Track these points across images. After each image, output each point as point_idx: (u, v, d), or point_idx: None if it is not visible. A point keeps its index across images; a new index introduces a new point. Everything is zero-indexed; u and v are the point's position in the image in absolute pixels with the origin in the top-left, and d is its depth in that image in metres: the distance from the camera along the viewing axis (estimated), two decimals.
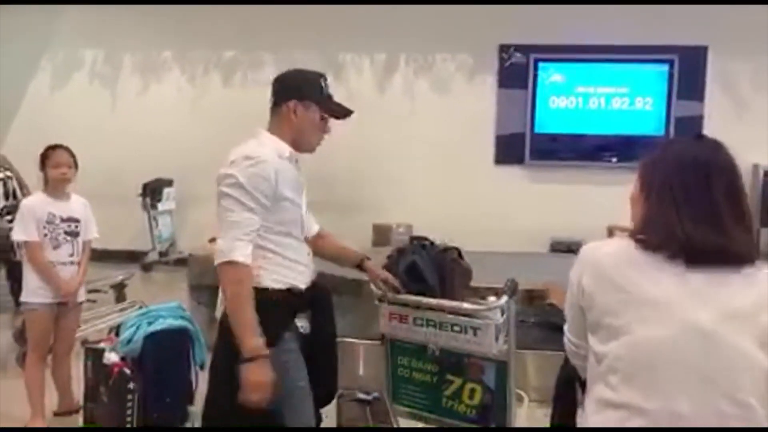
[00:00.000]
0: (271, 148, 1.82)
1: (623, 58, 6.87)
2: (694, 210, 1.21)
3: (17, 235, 2.94)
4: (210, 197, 6.90)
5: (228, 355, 1.72)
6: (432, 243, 2.29)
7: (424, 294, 2.18)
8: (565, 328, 1.36)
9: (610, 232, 5.14)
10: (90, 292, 4.89)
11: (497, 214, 6.85)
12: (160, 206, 7.10)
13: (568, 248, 6.02)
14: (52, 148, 3.02)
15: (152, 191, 7.03)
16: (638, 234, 1.25)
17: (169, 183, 7.23)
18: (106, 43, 7.48)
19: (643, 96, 6.91)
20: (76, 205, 3.07)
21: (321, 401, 2.01)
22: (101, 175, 6.17)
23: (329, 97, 1.95)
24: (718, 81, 6.79)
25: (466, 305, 2.12)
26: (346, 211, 6.39)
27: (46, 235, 2.94)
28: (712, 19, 6.57)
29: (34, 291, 2.96)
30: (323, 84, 1.95)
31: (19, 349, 3.93)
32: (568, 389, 1.45)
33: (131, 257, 6.97)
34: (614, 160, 6.82)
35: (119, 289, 5.28)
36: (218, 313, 2.66)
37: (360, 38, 7.07)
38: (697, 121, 6.83)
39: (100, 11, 7.30)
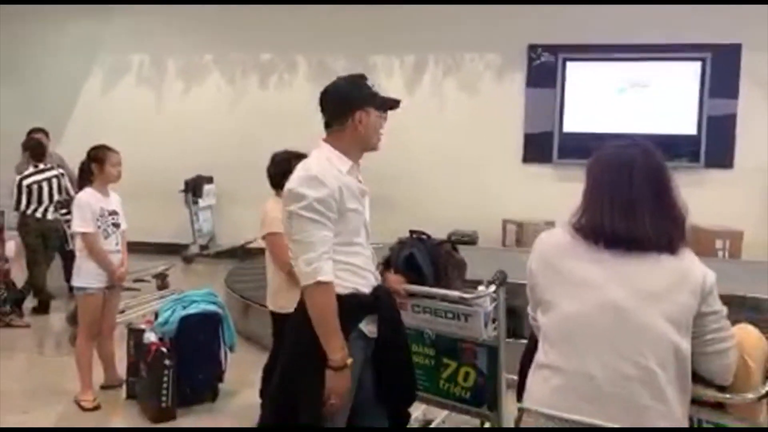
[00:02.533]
0: (334, 165, 1.90)
1: (655, 56, 6.85)
2: (616, 204, 1.43)
3: (78, 227, 3.29)
4: (247, 194, 7.23)
5: (299, 357, 1.88)
6: (429, 236, 2.50)
7: (420, 283, 2.39)
8: (528, 307, 1.58)
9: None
10: (135, 281, 5.34)
11: (526, 211, 6.96)
12: (201, 202, 7.51)
13: None
14: (109, 149, 3.37)
15: (194, 188, 7.45)
16: (574, 222, 1.48)
17: (209, 180, 7.64)
18: (151, 48, 7.95)
19: (675, 95, 6.87)
20: (114, 199, 3.43)
21: (403, 401, 2.08)
22: (146, 172, 6.60)
23: (378, 95, 1.99)
24: (751, 79, 6.69)
25: (454, 293, 2.32)
26: (379, 211, 6.62)
27: (99, 227, 3.30)
28: (745, 17, 6.49)
29: (90, 277, 3.30)
30: (370, 84, 2.00)
31: (71, 330, 4.36)
32: (524, 365, 1.66)
33: (173, 250, 7.39)
34: None
35: (161, 279, 5.70)
36: (272, 306, 2.86)
37: (389, 40, 7.29)
38: (731, 119, 6.77)
39: (145, 18, 7.78)
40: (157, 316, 3.45)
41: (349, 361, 1.84)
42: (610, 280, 1.39)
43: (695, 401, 1.43)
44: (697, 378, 1.41)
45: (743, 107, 6.74)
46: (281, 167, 2.66)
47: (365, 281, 1.97)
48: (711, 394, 1.43)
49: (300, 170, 1.91)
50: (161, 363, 3.13)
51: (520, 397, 1.58)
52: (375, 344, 1.98)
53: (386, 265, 2.43)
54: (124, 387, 3.47)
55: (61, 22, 7.90)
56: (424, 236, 2.50)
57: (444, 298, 2.35)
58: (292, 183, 1.89)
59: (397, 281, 2.30)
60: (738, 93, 6.76)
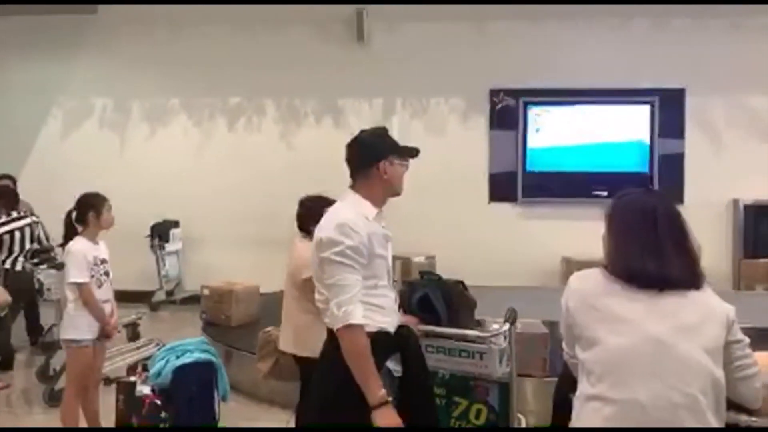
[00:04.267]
0: (361, 213, 2.01)
1: (608, 100, 7.30)
2: (642, 246, 1.58)
3: (74, 277, 3.17)
4: (214, 238, 7.17)
5: (336, 399, 1.92)
6: (440, 278, 2.57)
7: (435, 324, 2.44)
8: (563, 343, 1.66)
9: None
10: None
11: (492, 249, 7.15)
12: (168, 247, 7.35)
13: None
14: (100, 196, 3.32)
15: (160, 232, 7.29)
16: (606, 264, 1.62)
17: (175, 224, 7.50)
18: (115, 91, 7.85)
19: (628, 135, 7.31)
20: (104, 248, 3.35)
21: None
22: None
23: (398, 144, 2.15)
24: (695, 120, 7.22)
25: (473, 332, 2.39)
26: None
27: (92, 276, 3.20)
28: (688, 63, 7.04)
29: (83, 329, 3.19)
30: (390, 136, 2.17)
31: (46, 386, 4.14)
32: (563, 397, 1.74)
33: (138, 297, 7.15)
34: (605, 194, 7.14)
35: (133, 329, 5.49)
36: (284, 346, 2.98)
37: (358, 83, 7.48)
38: (679, 158, 7.25)
39: (109, 61, 7.71)
40: (145, 367, 3.34)
41: (390, 398, 1.88)
42: (648, 316, 1.50)
43: (727, 426, 1.53)
44: (729, 404, 1.52)
45: (689, 146, 7.24)
46: (312, 211, 2.69)
47: (390, 320, 2.04)
48: (744, 420, 1.54)
49: (331, 218, 2.00)
50: (157, 416, 3.02)
51: (558, 427, 1.64)
52: (400, 382, 2.03)
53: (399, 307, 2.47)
54: None
55: (20, 62, 7.70)
56: (435, 277, 2.56)
57: (460, 338, 2.40)
58: (326, 231, 1.97)
59: (412, 322, 2.34)
60: (684, 133, 7.27)
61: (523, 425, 2.61)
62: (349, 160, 2.13)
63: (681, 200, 7.22)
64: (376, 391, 1.87)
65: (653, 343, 1.48)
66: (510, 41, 7.28)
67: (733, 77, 6.98)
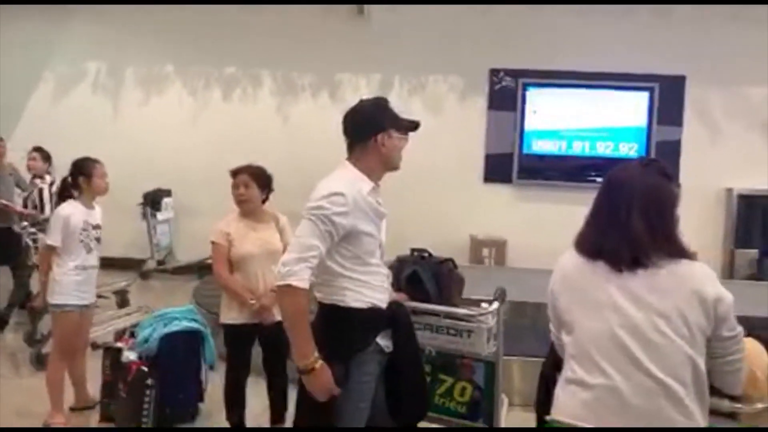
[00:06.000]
0: (354, 186, 1.94)
1: (608, 84, 7.24)
2: (606, 222, 1.54)
3: (47, 239, 3.16)
4: (207, 208, 7.16)
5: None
6: (430, 255, 2.55)
7: (423, 300, 2.44)
8: (550, 325, 1.65)
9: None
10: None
11: (486, 230, 7.16)
12: (159, 216, 7.30)
13: None
14: (94, 161, 3.27)
15: (152, 201, 7.23)
16: (576, 243, 1.59)
17: (168, 193, 7.44)
18: (108, 56, 7.71)
19: (626, 120, 7.27)
20: (99, 213, 3.32)
21: (414, 416, 2.12)
22: None
23: (399, 117, 2.08)
24: (694, 108, 7.18)
25: (463, 310, 2.38)
26: None
27: (81, 240, 3.17)
28: (690, 51, 6.98)
29: (67, 294, 3.17)
30: (391, 107, 2.08)
31: (32, 350, 4.14)
32: (547, 378, 1.75)
33: (128, 265, 7.12)
34: (599, 180, 7.15)
35: (122, 295, 5.48)
36: None
37: (356, 58, 7.38)
38: (676, 145, 7.22)
39: (103, 25, 7.55)
40: (132, 334, 3.34)
41: (318, 364, 1.85)
42: (622, 298, 1.48)
43: (711, 412, 1.53)
44: (712, 390, 1.51)
45: (687, 134, 7.21)
46: None
47: (381, 297, 2.01)
48: (727, 406, 1.55)
49: (325, 186, 1.94)
50: (142, 383, 3.03)
51: (540, 410, 1.64)
52: (389, 358, 2.02)
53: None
54: (98, 408, 3.32)
55: (11, 21, 7.53)
56: (425, 254, 2.55)
57: (448, 315, 2.40)
58: (314, 199, 1.92)
59: (401, 298, 2.34)
60: (683, 121, 7.23)
61: (506, 405, 2.62)
62: (346, 131, 2.06)
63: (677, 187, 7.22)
64: (308, 354, 1.84)
65: (630, 328, 1.45)
66: (512, 21, 7.17)
67: (734, 67, 6.93)
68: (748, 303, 4.54)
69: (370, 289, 1.96)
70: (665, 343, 1.43)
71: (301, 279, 1.83)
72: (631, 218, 1.51)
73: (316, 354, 1.85)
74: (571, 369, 1.51)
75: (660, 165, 1.62)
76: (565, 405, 1.49)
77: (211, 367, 3.42)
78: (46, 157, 5.23)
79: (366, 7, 7.25)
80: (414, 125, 2.10)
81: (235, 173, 3.17)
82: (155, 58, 7.65)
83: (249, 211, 3.13)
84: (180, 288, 6.51)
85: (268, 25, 7.35)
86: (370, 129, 2.01)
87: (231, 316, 3.06)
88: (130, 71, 7.75)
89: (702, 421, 1.44)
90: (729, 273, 6.93)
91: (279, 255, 3.00)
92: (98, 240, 3.29)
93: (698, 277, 1.49)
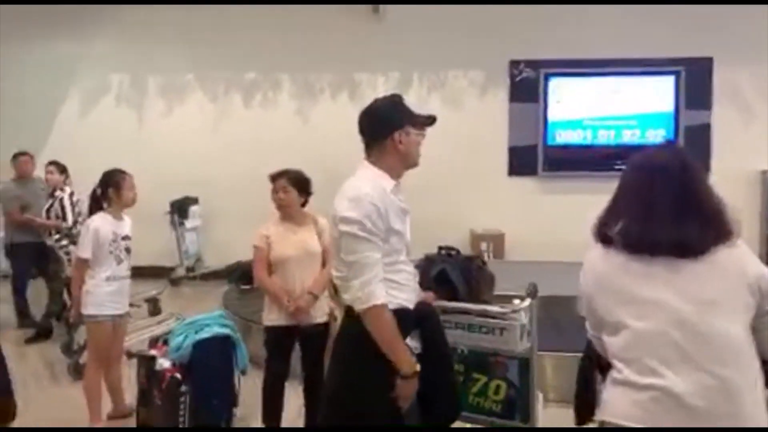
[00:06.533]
0: (378, 186, 1.93)
1: (632, 70, 7.08)
2: (641, 209, 1.46)
3: (78, 251, 3.22)
4: (233, 214, 7.18)
5: (363, 375, 1.91)
6: (458, 252, 2.52)
7: (453, 299, 2.40)
8: (586, 323, 1.60)
9: None
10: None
11: (512, 223, 7.07)
12: (187, 223, 7.39)
13: None
14: (123, 173, 3.34)
15: (179, 209, 7.33)
16: (598, 227, 1.51)
17: (195, 201, 7.53)
18: (131, 67, 7.83)
19: (653, 106, 7.10)
20: (128, 223, 3.36)
21: (446, 417, 2.11)
22: None
23: (414, 113, 2.05)
24: (723, 90, 6.98)
25: (495, 308, 2.34)
26: None
27: (111, 252, 3.22)
28: (716, 31, 6.78)
29: (100, 305, 3.23)
30: (406, 104, 2.06)
31: (71, 360, 4.22)
32: (586, 377, 1.70)
33: (158, 273, 7.22)
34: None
35: (153, 303, 5.56)
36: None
37: (374, 57, 7.35)
38: (706, 129, 7.03)
39: (125, 37, 7.67)
40: (165, 341, 3.37)
41: (418, 367, 1.88)
42: (669, 293, 1.41)
43: None
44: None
45: (717, 117, 7.01)
46: None
47: (409, 297, 1.99)
48: None
49: (349, 191, 1.93)
50: (177, 390, 3.06)
51: (581, 410, 1.59)
52: (419, 359, 1.99)
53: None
54: (135, 416, 3.37)
55: (37, 43, 7.72)
56: (453, 252, 2.51)
57: (480, 313, 2.36)
58: (343, 204, 1.90)
59: (430, 298, 2.31)
60: (711, 104, 7.04)
61: (541, 402, 2.57)
62: (363, 131, 2.05)
63: (708, 171, 7.02)
64: (405, 363, 1.87)
65: (678, 324, 1.39)
66: (530, 11, 7.06)
67: (762, 46, 6.72)
68: None
69: (398, 289, 1.94)
70: (717, 333, 1.38)
71: (380, 296, 1.85)
72: (680, 206, 1.44)
73: (414, 359, 1.89)
74: (618, 370, 1.45)
75: (682, 147, 1.57)
76: (616, 406, 1.43)
77: (244, 372, 3.43)
78: (63, 170, 5.37)
79: (381, 6, 7.22)
80: (430, 120, 2.08)
81: (274, 178, 3.21)
82: (176, 67, 7.75)
83: (288, 214, 3.19)
84: (210, 294, 6.57)
85: (284, 29, 7.39)
86: (387, 127, 1.99)
87: (271, 317, 3.13)
88: (152, 81, 7.87)
89: (761, 411, 1.38)
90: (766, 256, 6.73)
91: (317, 257, 3.09)
92: (128, 250, 3.33)
93: (740, 257, 1.44)
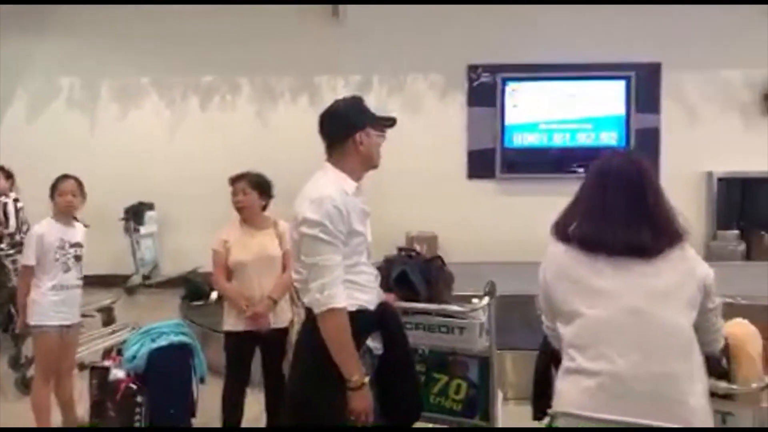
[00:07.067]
0: (339, 188, 1.92)
1: (585, 75, 7.28)
2: (591, 211, 1.55)
3: (22, 259, 3.08)
4: (191, 220, 7.05)
5: (317, 381, 1.88)
6: (418, 253, 2.54)
7: (414, 300, 2.41)
8: (542, 316, 1.64)
9: None
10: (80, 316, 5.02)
11: (471, 226, 7.15)
12: (143, 230, 7.20)
13: None
14: (60, 178, 3.20)
15: (134, 215, 7.13)
16: (558, 226, 1.59)
17: (150, 207, 7.34)
18: (82, 70, 7.59)
19: (606, 110, 7.31)
20: (79, 230, 3.24)
21: (407, 416, 2.11)
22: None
23: (375, 114, 2.07)
24: (671, 95, 7.25)
25: (454, 307, 2.36)
26: None
27: (57, 259, 3.10)
28: (664, 38, 7.04)
29: (44, 314, 3.10)
30: (366, 106, 2.07)
31: (17, 374, 4.04)
32: (543, 371, 1.73)
33: (113, 281, 7.01)
34: (581, 170, 7.19)
35: (107, 313, 5.38)
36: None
37: (333, 60, 7.33)
38: (655, 132, 7.29)
39: (75, 39, 7.43)
40: (119, 351, 3.27)
41: (366, 379, 1.86)
42: (623, 284, 1.48)
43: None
44: (707, 372, 1.51)
45: (665, 121, 7.28)
46: None
47: (371, 298, 1.99)
48: (723, 387, 1.54)
49: (311, 193, 1.92)
50: (132, 400, 2.96)
51: (538, 404, 1.62)
52: (380, 360, 1.99)
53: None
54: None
55: None
56: (413, 253, 2.53)
57: (440, 313, 2.38)
58: (304, 206, 1.89)
59: (390, 299, 2.31)
60: (660, 108, 7.30)
61: (500, 400, 2.61)
62: (324, 132, 2.04)
63: (657, 174, 7.28)
64: (355, 373, 1.85)
65: (631, 313, 1.45)
66: (488, 16, 7.18)
67: (707, 51, 7.01)
68: (731, 284, 4.59)
69: (359, 290, 1.93)
70: (667, 324, 1.44)
71: (339, 299, 1.83)
72: (634, 207, 1.52)
73: (364, 370, 1.86)
74: (570, 358, 1.50)
75: (638, 153, 1.66)
76: (569, 395, 1.48)
77: (202, 380, 3.35)
78: (8, 175, 5.16)
79: (341, 8, 7.22)
80: (390, 121, 2.10)
81: (233, 180, 3.16)
82: (130, 71, 7.55)
83: (248, 218, 3.14)
84: (167, 302, 6.41)
85: (243, 31, 7.29)
86: (348, 129, 1.99)
87: (230, 322, 3.08)
88: (105, 85, 7.65)
89: (705, 401, 1.44)
90: (711, 255, 7.01)
91: (277, 261, 3.04)
92: (78, 258, 3.21)
93: (690, 258, 1.53)
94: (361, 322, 1.91)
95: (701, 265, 1.53)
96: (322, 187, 1.92)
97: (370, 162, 2.04)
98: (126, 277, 7.17)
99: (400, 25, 7.26)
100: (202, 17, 7.28)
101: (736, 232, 7.05)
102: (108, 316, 5.36)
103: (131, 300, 6.93)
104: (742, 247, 6.98)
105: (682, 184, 7.12)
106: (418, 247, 6.85)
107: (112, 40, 7.40)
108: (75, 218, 3.51)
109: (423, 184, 7.27)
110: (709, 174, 7.25)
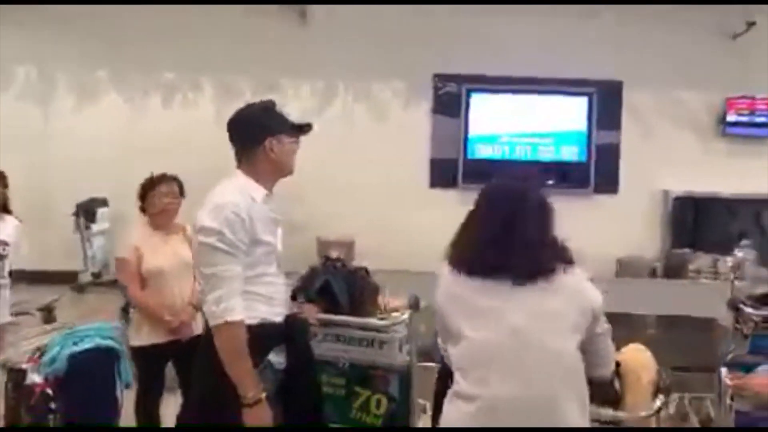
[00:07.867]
0: (246, 195, 1.86)
1: (548, 89, 7.34)
2: (479, 234, 1.55)
3: None
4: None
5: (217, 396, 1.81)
6: (343, 263, 2.48)
7: (335, 311, 2.36)
8: (438, 339, 1.61)
9: None
10: (17, 314, 4.83)
11: (432, 234, 7.12)
12: (94, 227, 7.01)
13: None
14: None
15: (86, 211, 6.94)
16: (450, 249, 1.59)
17: (103, 203, 7.15)
18: (37, 60, 7.37)
19: (567, 125, 7.38)
20: (9, 227, 3.11)
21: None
22: (32, 194, 6.08)
23: (289, 120, 2.00)
24: (631, 112, 7.36)
25: (372, 321, 2.31)
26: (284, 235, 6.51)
27: None
28: (626, 56, 7.15)
29: None
30: (279, 110, 2.01)
31: None
32: (442, 393, 1.70)
33: (62, 278, 6.81)
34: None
35: (48, 312, 5.20)
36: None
37: (299, 64, 7.26)
38: (615, 149, 7.39)
39: (32, 27, 7.23)
40: (42, 353, 3.13)
41: (263, 394, 1.79)
42: (507, 307, 1.47)
43: (592, 421, 1.51)
44: (594, 397, 1.50)
45: (625, 138, 7.38)
46: None
47: (276, 310, 1.92)
48: (610, 415, 1.53)
49: (212, 200, 1.85)
50: (45, 407, 2.83)
51: (435, 424, 1.59)
52: (284, 375, 1.93)
53: (299, 294, 2.38)
54: None
55: None
56: (338, 263, 2.48)
57: (361, 326, 2.33)
58: (206, 214, 1.82)
59: (312, 311, 2.26)
60: (620, 125, 7.40)
61: (420, 415, 2.56)
62: (233, 138, 1.96)
63: (615, 191, 7.40)
64: (250, 389, 1.77)
65: (512, 336, 1.44)
66: (454, 26, 7.21)
67: (666, 71, 7.14)
68: (687, 302, 4.61)
69: (262, 302, 1.87)
70: (549, 347, 1.42)
71: (235, 312, 1.75)
72: (528, 232, 1.51)
73: (261, 386, 1.79)
74: (456, 382, 1.48)
75: (536, 177, 1.66)
76: (449, 418, 1.46)
77: (128, 386, 3.24)
78: None
79: (308, 11, 7.16)
80: (305, 128, 2.02)
81: (161, 180, 3.02)
82: (88, 63, 7.37)
83: (165, 222, 2.99)
84: (116, 302, 6.22)
85: (207, 29, 7.19)
86: (258, 134, 1.92)
87: (141, 337, 2.94)
88: (61, 76, 7.45)
89: (586, 425, 1.42)
90: (666, 273, 7.11)
91: (191, 267, 2.86)
92: (2, 257, 3.07)
93: (580, 282, 1.52)
94: (264, 335, 1.84)
95: (592, 290, 1.52)
96: (228, 193, 1.86)
97: (282, 169, 1.97)
98: (75, 275, 6.97)
99: (367, 31, 7.23)
100: (165, 14, 7.15)
101: (689, 250, 7.16)
102: (48, 315, 5.19)
103: (79, 298, 6.74)
104: (695, 266, 7.10)
105: (639, 201, 7.26)
106: (334, 254, 6.71)
107: (68, 31, 7.22)
108: (7, 211, 3.38)
109: (384, 191, 7.22)
110: (666, 192, 7.36)
